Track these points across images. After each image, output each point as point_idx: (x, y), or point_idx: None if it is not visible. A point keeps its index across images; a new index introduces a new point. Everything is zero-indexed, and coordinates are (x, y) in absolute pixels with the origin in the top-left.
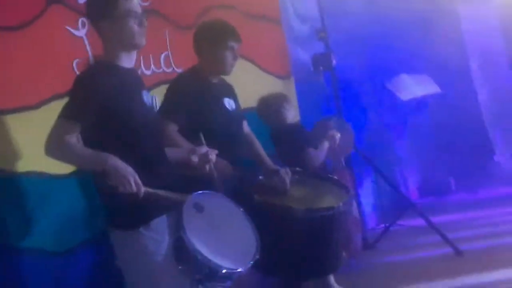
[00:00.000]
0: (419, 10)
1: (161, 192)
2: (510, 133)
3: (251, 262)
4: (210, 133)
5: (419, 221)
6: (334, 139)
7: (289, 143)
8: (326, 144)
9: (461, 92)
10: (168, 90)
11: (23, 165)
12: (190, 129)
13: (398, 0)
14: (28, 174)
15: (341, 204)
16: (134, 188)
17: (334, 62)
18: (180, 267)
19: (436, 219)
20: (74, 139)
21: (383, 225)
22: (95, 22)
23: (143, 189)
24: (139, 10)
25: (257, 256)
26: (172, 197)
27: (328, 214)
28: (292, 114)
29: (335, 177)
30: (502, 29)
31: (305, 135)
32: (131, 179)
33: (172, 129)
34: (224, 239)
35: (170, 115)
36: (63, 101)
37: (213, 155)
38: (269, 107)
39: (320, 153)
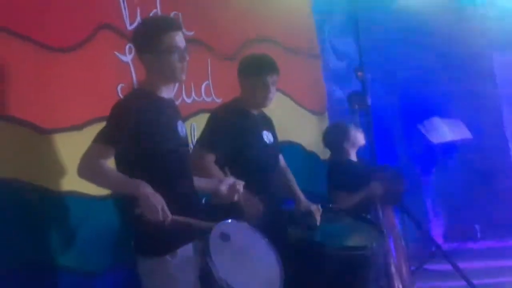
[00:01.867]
0: (455, 54)
1: (187, 220)
2: None
3: None
4: (247, 165)
5: (444, 266)
6: (375, 190)
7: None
8: (362, 192)
9: (492, 138)
10: (209, 119)
11: (66, 184)
12: (228, 161)
13: (436, 43)
14: (70, 193)
15: (374, 244)
16: (162, 217)
17: (369, 101)
18: None
19: (460, 265)
20: (108, 162)
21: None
22: (139, 54)
23: (170, 217)
24: (182, 45)
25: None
26: (198, 224)
27: (360, 254)
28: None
29: (369, 217)
30: None
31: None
32: (159, 207)
33: (210, 159)
34: (249, 269)
35: (209, 145)
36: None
37: (240, 185)
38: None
39: (350, 199)
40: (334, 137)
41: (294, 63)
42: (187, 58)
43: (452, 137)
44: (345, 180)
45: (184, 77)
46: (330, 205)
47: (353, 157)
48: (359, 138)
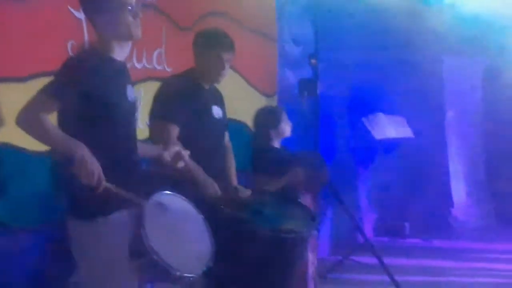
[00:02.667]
0: (408, 53)
1: (119, 191)
2: (472, 190)
3: (204, 269)
4: (195, 138)
5: (371, 259)
6: (297, 176)
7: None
8: (285, 178)
9: (432, 140)
10: (163, 90)
11: (1, 135)
12: (181, 136)
13: (392, 40)
14: (4, 145)
15: (305, 230)
16: (95, 182)
17: (319, 89)
18: (134, 264)
19: (387, 260)
20: (49, 117)
21: (335, 257)
22: (89, 14)
23: (103, 185)
24: (133, 1)
25: (210, 264)
26: (129, 198)
27: (290, 238)
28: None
29: (303, 203)
30: (482, 86)
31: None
32: (95, 173)
33: (174, 131)
34: (181, 242)
35: (171, 117)
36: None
37: (186, 154)
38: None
39: (274, 183)
40: (264, 122)
41: (250, 42)
42: (140, 15)
43: (394, 134)
44: (268, 165)
45: (139, 34)
46: (265, 188)
47: (276, 144)
48: (287, 129)
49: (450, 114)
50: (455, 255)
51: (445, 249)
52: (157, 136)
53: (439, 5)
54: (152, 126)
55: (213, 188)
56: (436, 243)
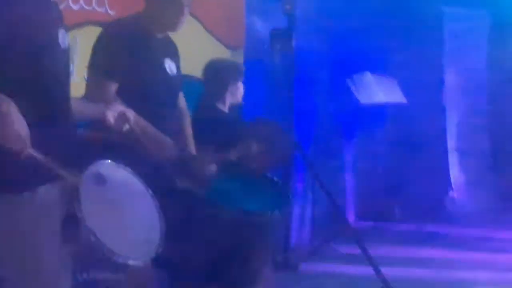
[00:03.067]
0: (403, 9)
1: (48, 162)
2: (473, 166)
3: (153, 255)
4: (142, 98)
5: (353, 248)
6: (248, 149)
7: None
8: (240, 150)
9: (428, 110)
10: (103, 38)
11: None
12: (123, 90)
13: None
14: None
15: (277, 211)
16: (21, 148)
17: (294, 42)
18: (66, 248)
19: (372, 248)
20: None
21: (312, 245)
22: None
23: (28, 150)
24: None
25: (160, 249)
26: (60, 170)
27: (259, 220)
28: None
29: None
30: (488, 43)
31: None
32: (21, 135)
33: (112, 89)
34: (124, 222)
35: (110, 72)
36: None
37: (131, 114)
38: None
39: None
40: (216, 77)
41: None
42: None
43: (384, 99)
44: (213, 133)
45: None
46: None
47: (226, 108)
48: (239, 93)
49: (449, 76)
50: (451, 243)
51: (440, 235)
52: (93, 93)
53: None
54: (88, 81)
55: (171, 152)
56: (430, 228)
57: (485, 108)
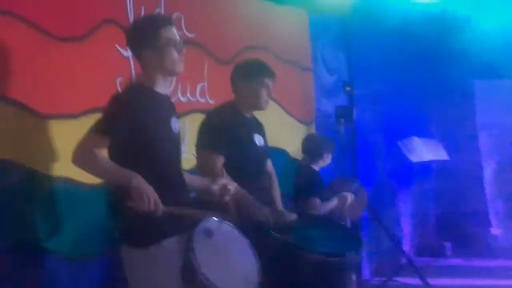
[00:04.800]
0: (438, 77)
1: (177, 210)
2: (509, 209)
3: None
4: (239, 166)
5: (414, 280)
6: (345, 200)
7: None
8: (334, 201)
9: (467, 162)
10: (208, 121)
11: (57, 170)
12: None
13: (422, 67)
14: (60, 179)
15: (352, 252)
16: (154, 207)
17: (354, 115)
18: None
19: (430, 280)
20: (102, 152)
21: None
22: (137, 50)
23: (161, 208)
24: (178, 38)
25: (257, 286)
26: (188, 213)
27: (337, 261)
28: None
29: (348, 226)
30: None
31: (320, 185)
32: (152, 199)
33: (220, 162)
34: (228, 266)
35: (217, 148)
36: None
37: (232, 187)
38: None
39: (324, 207)
40: (316, 146)
41: (286, 73)
42: (184, 51)
43: (431, 157)
44: (318, 188)
45: (182, 69)
46: (310, 212)
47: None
48: (329, 159)
49: (483, 136)
50: (496, 273)
51: (485, 267)
52: (204, 166)
53: (466, 28)
54: (199, 156)
55: (265, 214)
56: (477, 262)
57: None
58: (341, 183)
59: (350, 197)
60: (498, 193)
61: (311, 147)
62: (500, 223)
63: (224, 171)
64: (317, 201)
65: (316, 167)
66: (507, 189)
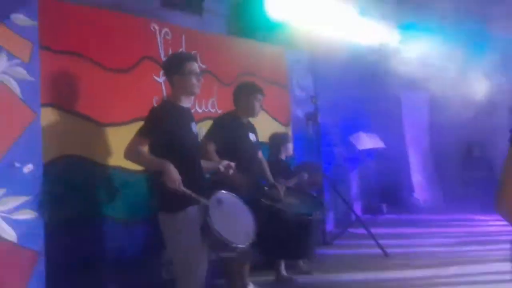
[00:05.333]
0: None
1: (192, 194)
2: (425, 180)
3: (250, 241)
4: (239, 155)
5: (361, 230)
6: (303, 177)
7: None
8: (295, 179)
9: (396, 149)
10: (213, 123)
11: (113, 161)
12: (226, 151)
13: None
14: (116, 167)
15: (318, 212)
16: (177, 187)
17: (319, 119)
18: (204, 240)
19: (372, 230)
20: (144, 149)
21: (336, 230)
22: (169, 76)
23: (182, 189)
24: (198, 70)
25: (254, 239)
26: (198, 198)
27: (308, 218)
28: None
29: (314, 194)
30: (429, 112)
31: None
32: (177, 180)
33: (212, 147)
34: (234, 224)
35: (211, 138)
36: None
37: (233, 166)
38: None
39: (288, 183)
40: (274, 142)
41: (271, 91)
42: (202, 80)
43: (371, 146)
44: (278, 171)
45: (199, 91)
46: (289, 185)
47: (283, 157)
48: (290, 148)
49: (408, 131)
50: (417, 224)
51: (410, 220)
52: (202, 149)
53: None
54: (201, 143)
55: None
56: (404, 216)
57: (430, 148)
58: (302, 166)
59: (305, 175)
60: (417, 170)
61: (272, 143)
62: (419, 191)
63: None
64: (281, 180)
65: (282, 156)
66: (424, 168)
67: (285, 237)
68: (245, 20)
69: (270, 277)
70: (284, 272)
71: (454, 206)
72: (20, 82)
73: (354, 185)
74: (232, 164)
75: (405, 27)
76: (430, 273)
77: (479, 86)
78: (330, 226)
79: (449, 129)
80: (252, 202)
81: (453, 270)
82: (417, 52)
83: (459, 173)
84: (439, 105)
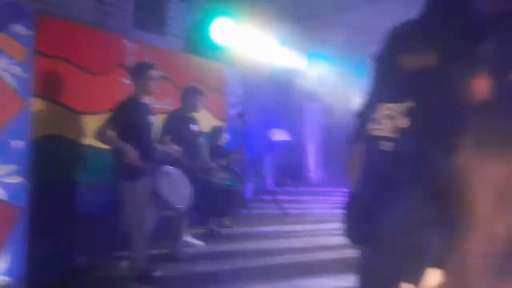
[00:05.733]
0: (286, 101)
1: (146, 167)
2: (317, 163)
3: (187, 204)
4: (185, 142)
5: (272, 197)
6: (233, 159)
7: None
8: (227, 160)
9: (298, 141)
10: (166, 117)
11: (87, 141)
12: (175, 138)
13: (279, 95)
14: (88, 145)
15: (238, 184)
16: (134, 161)
17: (246, 118)
18: (153, 203)
19: (280, 197)
20: (110, 132)
21: (255, 197)
22: (133, 80)
23: (138, 163)
24: (157, 76)
25: (191, 202)
26: (150, 170)
27: (231, 188)
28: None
29: (238, 171)
30: (325, 116)
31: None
32: (134, 157)
33: (167, 138)
34: (176, 191)
35: (165, 131)
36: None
37: (179, 149)
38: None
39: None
40: (215, 133)
41: (213, 96)
42: (158, 83)
43: (281, 138)
44: (217, 153)
45: (156, 92)
46: (222, 164)
47: (220, 144)
48: (225, 137)
49: (308, 129)
50: (310, 193)
51: (305, 191)
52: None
53: (301, 74)
54: (160, 136)
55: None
56: (301, 188)
57: (322, 141)
58: (232, 150)
59: (234, 157)
60: (312, 156)
61: (212, 134)
62: (312, 170)
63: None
64: (218, 160)
65: (219, 143)
66: (316, 155)
67: (214, 201)
68: (197, 42)
69: (202, 230)
70: (213, 226)
71: (335, 181)
72: (15, 77)
73: (269, 166)
74: (179, 148)
75: (311, 54)
76: (315, 227)
77: (357, 99)
78: (249, 194)
79: (335, 128)
80: (191, 175)
81: (330, 225)
82: (317, 73)
83: (340, 159)
84: (330, 112)
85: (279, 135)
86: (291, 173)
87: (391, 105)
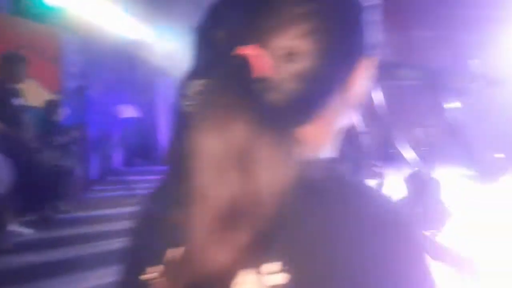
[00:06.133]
0: (133, 76)
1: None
2: (167, 141)
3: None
4: (5, 118)
5: (119, 178)
6: (71, 137)
7: None
8: (64, 138)
9: (149, 118)
10: None
11: None
12: None
13: (128, 69)
14: None
15: (72, 164)
16: None
17: (87, 92)
18: None
19: (130, 177)
20: None
21: (99, 178)
22: None
23: None
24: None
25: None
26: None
27: (63, 168)
28: None
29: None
30: (174, 95)
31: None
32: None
33: None
34: None
35: None
36: None
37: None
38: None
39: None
40: (49, 108)
41: (43, 64)
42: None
43: (130, 115)
44: (52, 130)
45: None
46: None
47: (55, 119)
48: (60, 112)
49: (159, 105)
50: (162, 172)
51: (156, 170)
52: None
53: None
54: None
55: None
56: (151, 167)
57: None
58: (69, 127)
59: (72, 133)
60: (163, 134)
61: (46, 109)
62: (163, 148)
63: None
64: (53, 137)
65: (54, 118)
66: (166, 133)
67: (42, 184)
68: (25, 2)
69: (33, 217)
70: (48, 212)
71: None
72: None
73: (116, 144)
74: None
75: (158, 27)
76: None
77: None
78: (94, 175)
79: None
80: (13, 156)
81: None
82: (166, 47)
83: None
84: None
85: (128, 112)
86: (141, 151)
87: (205, 81)
